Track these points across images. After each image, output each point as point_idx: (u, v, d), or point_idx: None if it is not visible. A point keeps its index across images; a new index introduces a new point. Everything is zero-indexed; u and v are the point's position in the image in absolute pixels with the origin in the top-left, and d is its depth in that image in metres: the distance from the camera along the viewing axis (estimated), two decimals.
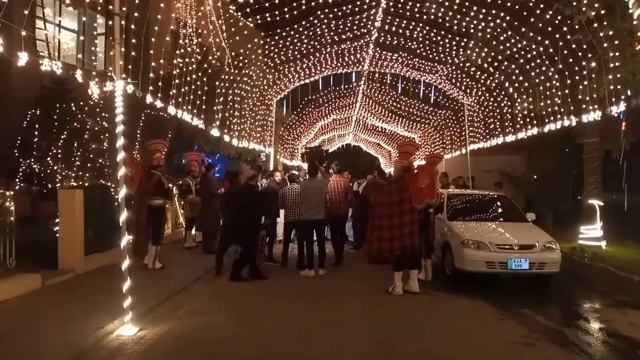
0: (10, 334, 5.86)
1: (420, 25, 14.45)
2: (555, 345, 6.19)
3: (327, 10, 13.32)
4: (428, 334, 6.55)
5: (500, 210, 11.00)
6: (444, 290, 8.86)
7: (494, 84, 16.47)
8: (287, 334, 6.47)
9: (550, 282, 9.33)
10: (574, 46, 11.54)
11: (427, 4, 13.46)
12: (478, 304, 8.06)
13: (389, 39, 15.89)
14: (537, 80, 13.41)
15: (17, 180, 10.78)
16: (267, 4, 11.48)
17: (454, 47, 15.26)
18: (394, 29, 14.93)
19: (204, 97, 11.99)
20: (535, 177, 18.86)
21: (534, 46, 12.67)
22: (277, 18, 12.17)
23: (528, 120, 14.62)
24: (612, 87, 10.68)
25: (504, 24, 12.58)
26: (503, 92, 16.33)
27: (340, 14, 13.72)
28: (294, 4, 11.78)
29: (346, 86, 22.47)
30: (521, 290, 9.56)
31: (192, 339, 6.15)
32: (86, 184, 10.72)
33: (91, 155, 11.29)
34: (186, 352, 5.71)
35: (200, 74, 11.71)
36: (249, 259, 9.49)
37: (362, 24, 14.95)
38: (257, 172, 11.01)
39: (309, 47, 15.73)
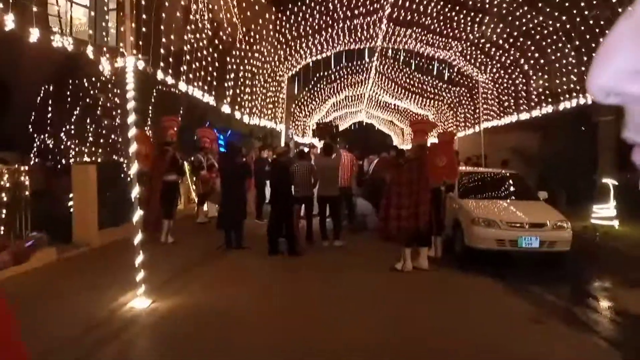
0: (26, 306, 6.01)
1: (435, 0, 14.24)
2: (564, 323, 6.22)
3: None
4: (437, 311, 6.61)
5: (512, 188, 10.95)
6: (453, 268, 8.90)
7: (509, 61, 16.26)
8: (298, 308, 6.56)
9: (561, 261, 9.33)
10: (591, 22, 11.32)
11: None
12: (487, 282, 8.08)
13: (403, 14, 15.68)
14: (553, 57, 13.22)
15: (31, 155, 10.92)
16: None
17: (469, 23, 15.05)
18: (407, 4, 14.72)
19: (214, 74, 11.99)
20: (550, 155, 18.68)
21: (550, 22, 12.46)
22: None
23: (543, 98, 14.46)
24: None
25: None
26: (518, 69, 16.12)
27: None
28: None
29: (359, 62, 22.28)
30: (531, 268, 9.58)
31: (204, 311, 6.28)
32: (99, 160, 10.85)
33: (104, 132, 11.39)
34: (198, 324, 5.83)
35: (211, 49, 11.69)
36: (290, 234, 9.84)
37: None
38: (287, 149, 11.19)
39: (321, 22, 15.59)
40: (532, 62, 14.63)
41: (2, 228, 7.67)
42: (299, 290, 7.46)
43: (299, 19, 14.90)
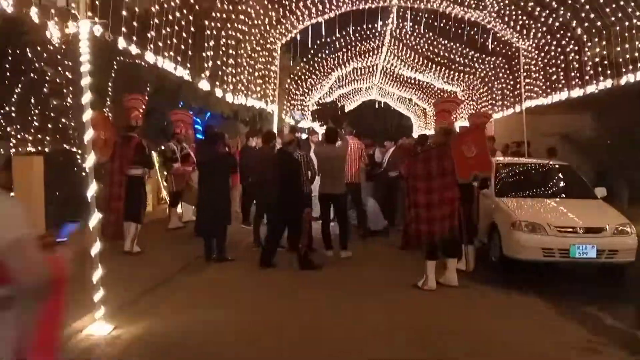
0: None
1: None
2: (626, 352, 6.23)
3: None
4: (468, 339, 6.61)
5: (561, 183, 10.99)
6: (488, 284, 8.92)
7: (557, 24, 16.19)
8: (290, 338, 6.56)
9: (623, 274, 9.32)
10: None
11: None
12: (530, 301, 8.11)
13: None
14: (613, 19, 13.14)
15: None
16: None
17: None
18: None
19: (190, 41, 11.94)
20: (609, 142, 18.65)
21: None
22: None
23: (600, 70, 14.41)
24: None
25: None
26: (569, 34, 16.06)
27: None
28: None
29: (370, 26, 22.19)
30: (586, 284, 9.57)
31: (176, 339, 6.27)
32: (47, 150, 10.84)
33: (52, 114, 11.37)
34: (169, 355, 5.84)
35: (185, 11, 11.64)
36: (295, 244, 9.94)
37: None
38: (294, 136, 11.18)
39: None
40: (586, 24, 14.57)
41: None
42: (296, 315, 7.43)
43: None
